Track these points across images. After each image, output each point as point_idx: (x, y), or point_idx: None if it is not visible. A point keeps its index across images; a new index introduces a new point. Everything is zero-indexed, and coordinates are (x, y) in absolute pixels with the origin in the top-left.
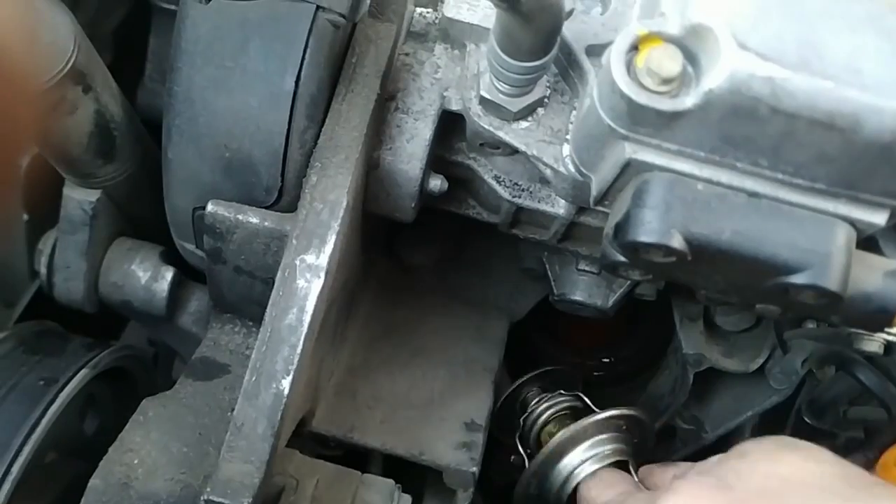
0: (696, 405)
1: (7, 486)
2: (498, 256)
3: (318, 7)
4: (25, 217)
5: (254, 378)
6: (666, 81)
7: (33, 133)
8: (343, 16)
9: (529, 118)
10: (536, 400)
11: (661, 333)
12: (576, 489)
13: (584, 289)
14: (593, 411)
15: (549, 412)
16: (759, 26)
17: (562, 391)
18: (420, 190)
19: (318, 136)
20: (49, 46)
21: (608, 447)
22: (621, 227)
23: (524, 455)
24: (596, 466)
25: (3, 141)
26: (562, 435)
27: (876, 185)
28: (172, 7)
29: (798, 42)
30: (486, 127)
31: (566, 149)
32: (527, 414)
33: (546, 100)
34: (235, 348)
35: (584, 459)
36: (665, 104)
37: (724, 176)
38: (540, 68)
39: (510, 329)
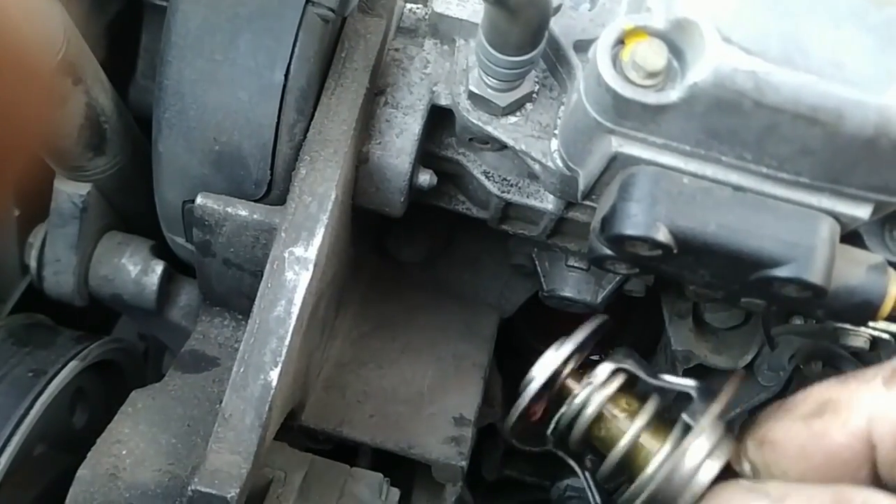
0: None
1: None
2: (487, 252)
3: (307, 1)
4: (16, 212)
5: (242, 369)
6: (651, 75)
7: (43, 121)
8: (332, 10)
9: (518, 113)
10: (576, 390)
11: (650, 330)
12: None
13: (573, 285)
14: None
15: (595, 403)
16: (744, 21)
17: (601, 358)
18: (409, 184)
19: (307, 130)
20: (39, 38)
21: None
22: (607, 221)
23: (575, 465)
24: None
25: (13, 128)
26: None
27: (859, 179)
28: (165, 4)
29: (782, 37)
30: (475, 122)
31: (554, 143)
32: (564, 410)
33: (534, 95)
34: (224, 341)
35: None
36: (650, 98)
37: (709, 169)
38: (528, 63)
39: (500, 325)
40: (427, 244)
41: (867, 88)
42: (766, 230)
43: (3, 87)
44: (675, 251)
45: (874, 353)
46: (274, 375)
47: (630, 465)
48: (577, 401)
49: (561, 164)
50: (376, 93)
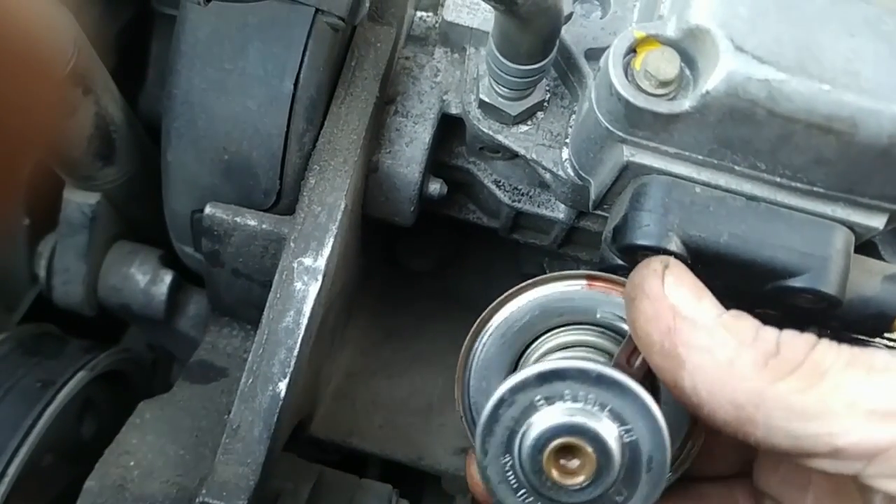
0: None
1: (3, 488)
2: (498, 262)
3: (317, 10)
4: (27, 221)
5: (250, 380)
6: (663, 84)
7: (53, 130)
8: (342, 19)
9: (529, 122)
10: None
11: None
12: None
13: None
14: None
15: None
16: (757, 29)
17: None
18: (419, 194)
19: (316, 139)
20: (49, 47)
21: None
22: (619, 231)
23: None
24: None
25: (23, 137)
26: None
27: (874, 189)
28: (175, 12)
29: (795, 45)
30: (486, 131)
31: (565, 152)
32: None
33: (545, 104)
34: (233, 352)
35: None
36: (662, 107)
37: (722, 179)
38: (538, 71)
39: None
40: (437, 253)
41: (882, 97)
42: (780, 240)
43: (13, 95)
44: (687, 261)
45: None
46: (283, 386)
47: None
48: None
49: (572, 174)
50: (386, 102)
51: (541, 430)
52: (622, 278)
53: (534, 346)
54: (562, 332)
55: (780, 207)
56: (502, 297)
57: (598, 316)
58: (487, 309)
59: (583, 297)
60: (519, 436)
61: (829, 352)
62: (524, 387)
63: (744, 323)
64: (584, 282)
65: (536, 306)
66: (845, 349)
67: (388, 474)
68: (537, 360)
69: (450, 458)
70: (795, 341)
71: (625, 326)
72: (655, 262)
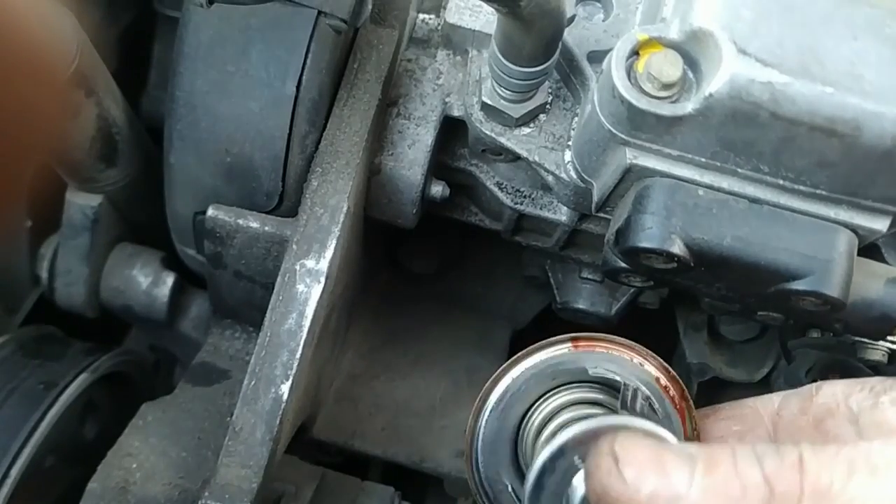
0: None
1: (5, 489)
2: (500, 264)
3: (319, 12)
4: (29, 223)
5: (252, 383)
6: (666, 86)
7: (56, 132)
8: (345, 21)
9: (531, 124)
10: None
11: (664, 343)
12: None
13: (587, 297)
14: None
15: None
16: (760, 32)
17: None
18: (421, 196)
19: (319, 141)
20: (52, 49)
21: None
22: (622, 233)
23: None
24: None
25: (27, 138)
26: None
27: (877, 192)
28: (177, 14)
29: (798, 48)
30: (488, 133)
31: (568, 155)
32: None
33: (548, 106)
34: (235, 354)
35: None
36: (665, 109)
37: (725, 181)
38: (541, 73)
39: (512, 337)
40: (439, 256)
41: (885, 100)
42: (783, 243)
43: (16, 97)
44: (690, 264)
45: (892, 367)
46: (285, 389)
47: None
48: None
49: (575, 176)
50: (388, 104)
51: (585, 490)
52: (605, 335)
53: (533, 411)
54: (557, 394)
55: (783, 210)
56: (496, 373)
57: (589, 373)
58: (484, 388)
59: (571, 359)
60: (565, 499)
61: (824, 467)
62: (562, 452)
63: (720, 472)
64: (568, 345)
65: (530, 376)
66: (835, 454)
67: (390, 476)
68: (540, 424)
69: (452, 460)
70: (783, 472)
71: (616, 378)
72: (604, 453)
